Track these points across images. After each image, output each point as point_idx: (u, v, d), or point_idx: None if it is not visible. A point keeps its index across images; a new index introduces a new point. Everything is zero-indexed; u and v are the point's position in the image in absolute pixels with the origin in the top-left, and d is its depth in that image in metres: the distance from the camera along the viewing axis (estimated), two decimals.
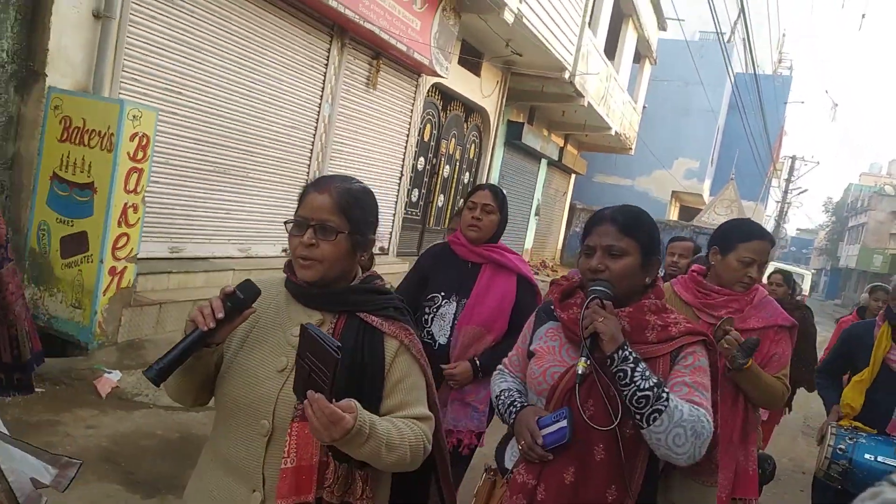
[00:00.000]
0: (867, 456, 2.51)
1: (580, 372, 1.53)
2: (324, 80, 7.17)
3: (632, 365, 1.50)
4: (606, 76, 13.50)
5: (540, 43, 9.71)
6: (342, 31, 7.17)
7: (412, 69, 8.62)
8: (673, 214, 24.15)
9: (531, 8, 9.11)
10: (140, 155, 4.46)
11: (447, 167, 10.89)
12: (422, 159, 9.95)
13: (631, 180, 21.35)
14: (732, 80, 17.90)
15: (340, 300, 1.42)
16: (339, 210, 1.38)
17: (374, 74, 7.95)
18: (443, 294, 2.64)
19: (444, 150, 10.63)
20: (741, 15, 17.26)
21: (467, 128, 11.27)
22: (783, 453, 5.72)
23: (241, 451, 1.36)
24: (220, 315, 1.27)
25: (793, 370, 4.57)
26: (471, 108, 11.05)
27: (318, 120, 7.22)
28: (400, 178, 9.17)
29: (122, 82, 4.87)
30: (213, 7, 5.59)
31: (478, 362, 2.58)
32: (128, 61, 4.90)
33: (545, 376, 1.65)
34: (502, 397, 1.77)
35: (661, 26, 17.35)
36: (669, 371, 1.59)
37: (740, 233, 2.32)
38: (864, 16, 20.78)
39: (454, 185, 11.24)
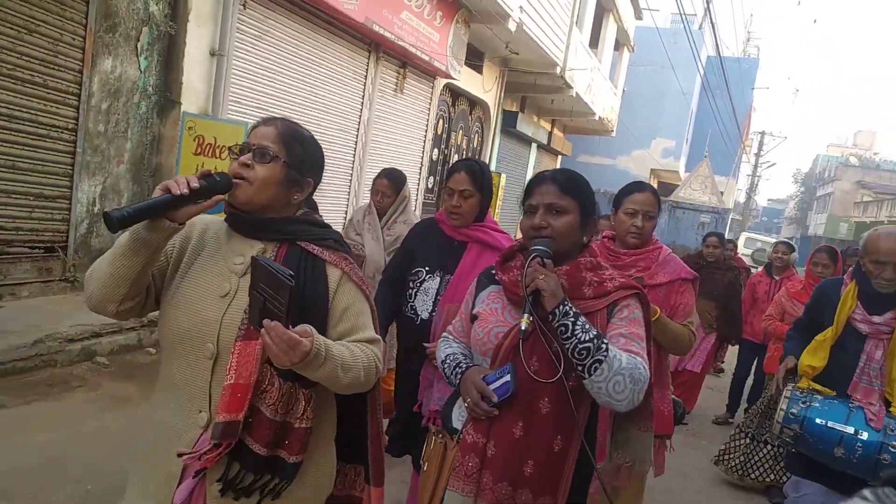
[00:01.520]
0: (818, 421, 2.46)
1: (523, 328, 1.56)
2: (363, 90, 8.54)
3: (572, 319, 1.54)
4: (591, 68, 14.96)
5: (535, 43, 11.12)
6: (377, 48, 8.53)
7: (430, 74, 10.00)
8: None
9: (530, 16, 10.53)
10: None
11: (455, 156, 12.31)
12: (436, 150, 11.36)
13: (612, 159, 22.94)
14: (702, 66, 19.43)
15: (280, 229, 1.46)
16: (281, 140, 1.44)
17: (401, 81, 9.33)
18: (427, 269, 2.61)
19: (454, 141, 12.04)
20: (709, 3, 18.81)
21: (471, 120, 12.68)
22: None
23: (188, 374, 1.39)
24: (195, 185, 1.31)
25: (721, 326, 5.51)
26: (474, 102, 12.45)
27: (359, 123, 8.60)
28: (420, 168, 10.59)
29: (229, 104, 6.22)
30: (288, 38, 6.95)
31: None
32: (232, 88, 6.25)
33: (489, 336, 1.69)
34: (448, 361, 1.80)
35: (638, 16, 18.83)
36: (607, 324, 1.65)
37: (624, 190, 2.57)
38: (815, 21, 22.37)
39: None
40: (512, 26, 9.99)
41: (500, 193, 12.50)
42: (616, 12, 16.48)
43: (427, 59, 9.06)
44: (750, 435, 4.15)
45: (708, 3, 18.93)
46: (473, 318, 1.79)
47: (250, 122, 6.12)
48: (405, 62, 9.22)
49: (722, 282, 5.26)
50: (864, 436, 2.38)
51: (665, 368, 2.56)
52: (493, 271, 1.81)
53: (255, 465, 1.35)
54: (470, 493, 1.63)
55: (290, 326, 1.22)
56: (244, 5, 6.20)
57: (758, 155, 30.68)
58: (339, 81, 8.02)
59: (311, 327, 1.28)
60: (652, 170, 24.23)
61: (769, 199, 71.11)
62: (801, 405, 2.52)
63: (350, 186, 8.66)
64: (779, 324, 4.43)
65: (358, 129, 8.61)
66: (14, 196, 4.74)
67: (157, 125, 5.78)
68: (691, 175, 21.52)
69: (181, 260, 1.47)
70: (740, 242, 20.72)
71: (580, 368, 1.53)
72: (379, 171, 3.74)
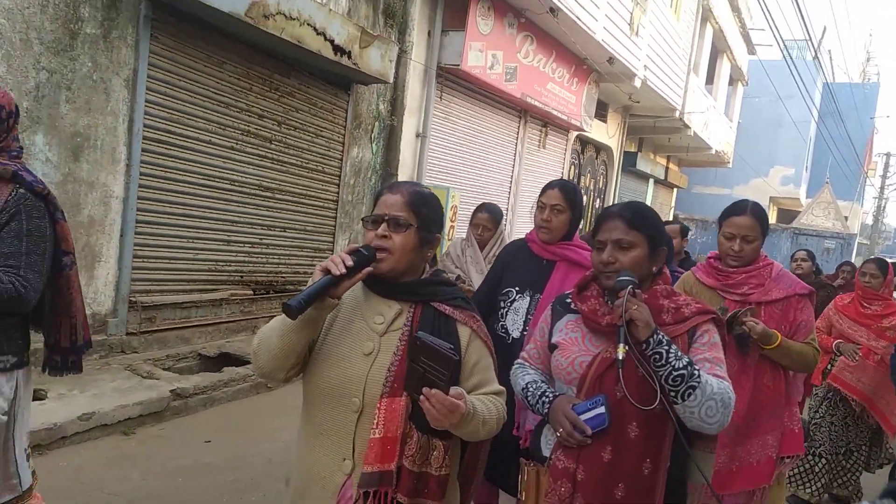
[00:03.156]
0: None
1: (620, 357, 1.59)
2: (514, 149, 10.34)
3: (666, 347, 1.60)
4: (707, 107, 16.09)
5: (655, 93, 12.53)
6: (526, 113, 10.32)
7: (566, 129, 11.67)
8: (771, 218, 26.03)
9: (653, 72, 12.00)
10: (453, 216, 7.69)
11: (585, 197, 13.84)
12: None
13: (729, 189, 23.53)
14: (819, 93, 19.86)
15: (415, 291, 1.59)
16: (409, 207, 1.56)
17: (542, 138, 11.06)
18: (517, 289, 2.67)
19: (583, 184, 13.59)
20: (825, 30, 19.38)
21: (597, 163, 14.20)
22: None
23: (334, 424, 1.54)
24: (350, 263, 1.45)
25: None
26: (599, 148, 13.98)
27: (511, 179, 10.40)
28: None
29: (427, 172, 8.16)
30: (466, 117, 8.91)
31: None
32: (430, 159, 8.20)
33: (573, 366, 1.75)
34: (530, 389, 1.85)
35: (751, 51, 19.70)
36: (688, 349, 1.71)
37: (725, 212, 2.56)
38: None
39: (590, 210, 14.17)
40: (637, 83, 11.51)
41: None
42: (730, 52, 17.54)
43: (565, 118, 10.74)
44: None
45: (822, 32, 19.52)
46: (552, 347, 1.85)
47: (447, 186, 8.01)
48: (547, 122, 10.95)
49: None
50: None
51: (795, 387, 2.58)
52: (568, 300, 1.89)
53: None
54: None
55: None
56: (440, 97, 8.16)
57: (884, 177, 29.90)
58: (498, 144, 9.87)
59: (463, 390, 1.41)
60: (771, 198, 24.53)
61: None
62: None
63: (506, 230, 10.43)
64: (826, 336, 4.28)
65: (511, 181, 10.40)
66: (301, 249, 6.80)
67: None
68: (813, 201, 21.76)
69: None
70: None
71: (673, 394, 1.59)
72: (478, 205, 3.79)
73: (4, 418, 2.01)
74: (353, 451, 1.51)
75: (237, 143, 5.73)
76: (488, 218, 3.65)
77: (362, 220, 1.62)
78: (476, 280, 3.50)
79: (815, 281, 5.39)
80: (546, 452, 1.79)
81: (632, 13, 10.81)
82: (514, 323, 2.63)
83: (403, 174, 7.81)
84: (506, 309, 2.66)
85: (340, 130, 6.96)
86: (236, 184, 5.77)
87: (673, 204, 20.93)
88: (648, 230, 1.75)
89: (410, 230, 1.54)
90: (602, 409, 1.65)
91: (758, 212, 2.51)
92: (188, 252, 5.47)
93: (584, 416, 1.66)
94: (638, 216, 1.76)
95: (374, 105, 7.35)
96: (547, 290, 2.61)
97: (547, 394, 1.80)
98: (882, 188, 30.03)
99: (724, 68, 17.83)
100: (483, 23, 8.05)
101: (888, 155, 29.80)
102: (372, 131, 7.43)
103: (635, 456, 1.66)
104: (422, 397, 1.36)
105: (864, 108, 25.22)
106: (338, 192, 7.08)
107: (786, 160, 23.69)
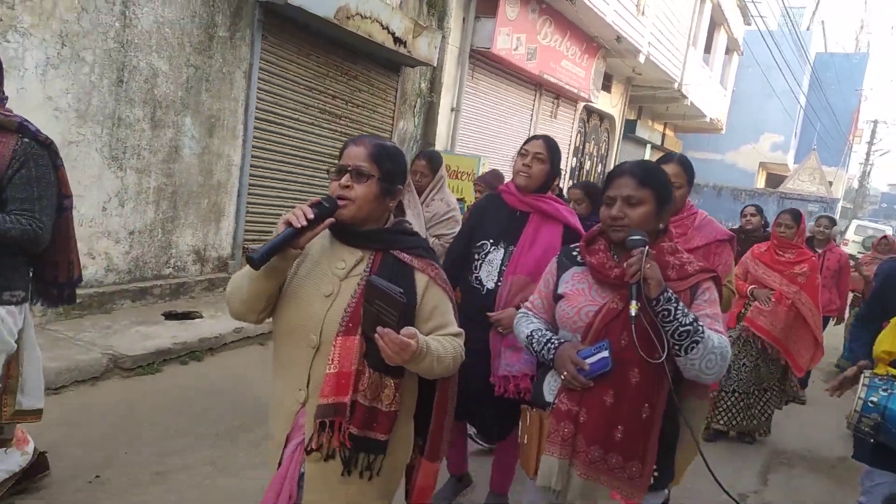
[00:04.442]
0: None
1: (633, 314, 1.70)
2: (530, 120, 11.59)
3: (674, 304, 1.71)
4: (704, 79, 17.30)
5: (657, 66, 13.74)
6: (540, 87, 11.54)
7: (575, 100, 12.90)
8: (760, 183, 27.49)
9: (655, 48, 13.19)
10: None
11: (588, 163, 15.14)
12: (574, 159, 14.25)
13: (721, 154, 24.89)
14: (810, 63, 21.01)
15: (377, 238, 1.70)
16: (372, 159, 1.64)
17: (555, 109, 12.31)
18: (491, 241, 2.75)
19: (588, 150, 14.89)
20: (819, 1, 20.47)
21: (601, 131, 15.47)
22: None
23: (293, 359, 1.68)
24: (311, 216, 1.55)
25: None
26: (603, 116, 15.23)
27: None
28: (563, 175, 13.53)
29: (459, 142, 9.44)
30: (492, 92, 10.17)
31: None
32: (461, 131, 9.47)
33: (580, 315, 1.85)
34: (535, 336, 1.96)
35: (746, 22, 20.78)
36: (690, 304, 1.81)
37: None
38: None
39: (594, 175, 15.50)
40: (641, 59, 12.72)
41: None
42: (727, 25, 18.66)
43: (575, 90, 11.97)
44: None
45: (817, 3, 20.58)
46: (557, 297, 1.94)
47: (478, 155, 9.28)
48: (559, 95, 12.19)
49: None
50: None
51: None
52: (574, 252, 1.98)
53: (351, 441, 1.61)
54: (566, 456, 1.83)
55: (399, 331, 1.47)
56: (472, 76, 9.39)
57: (870, 143, 31.38)
58: (516, 116, 11.13)
59: (415, 329, 1.53)
60: (760, 163, 25.94)
61: (890, 185, 68.51)
62: (882, 392, 2.38)
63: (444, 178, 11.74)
64: (742, 282, 4.43)
65: None
66: None
67: None
68: (799, 167, 23.15)
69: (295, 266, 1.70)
70: (851, 229, 22.01)
71: (677, 348, 1.71)
72: (418, 152, 4.15)
73: (15, 346, 2.27)
74: (308, 384, 1.65)
75: (316, 120, 6.99)
76: (425, 165, 3.82)
77: (327, 171, 1.72)
78: (412, 223, 4.31)
79: (763, 234, 5.36)
80: (549, 398, 1.89)
81: None
82: (488, 274, 2.73)
83: (439, 145, 9.07)
84: (480, 261, 2.76)
85: (391, 107, 8.20)
86: (316, 153, 7.06)
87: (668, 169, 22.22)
88: (657, 188, 1.83)
89: (372, 181, 1.64)
90: (606, 353, 1.76)
91: (684, 161, 2.68)
92: (285, 208, 6.78)
93: (588, 360, 1.78)
94: (648, 174, 1.84)
95: (417, 84, 8.57)
96: (521, 241, 2.70)
97: (552, 340, 1.91)
98: (868, 154, 31.54)
99: (720, 40, 18.97)
100: (510, 10, 9.22)
101: (875, 122, 31.23)
102: (414, 107, 8.67)
103: (635, 401, 1.77)
104: (376, 335, 1.47)
105: (853, 78, 26.48)
106: None
107: (776, 127, 25.03)
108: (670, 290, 1.73)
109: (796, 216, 4.41)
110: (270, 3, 5.79)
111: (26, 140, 2.11)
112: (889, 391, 2.37)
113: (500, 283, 2.69)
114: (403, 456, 1.78)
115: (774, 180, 27.79)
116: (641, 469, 1.79)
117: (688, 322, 1.70)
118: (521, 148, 2.80)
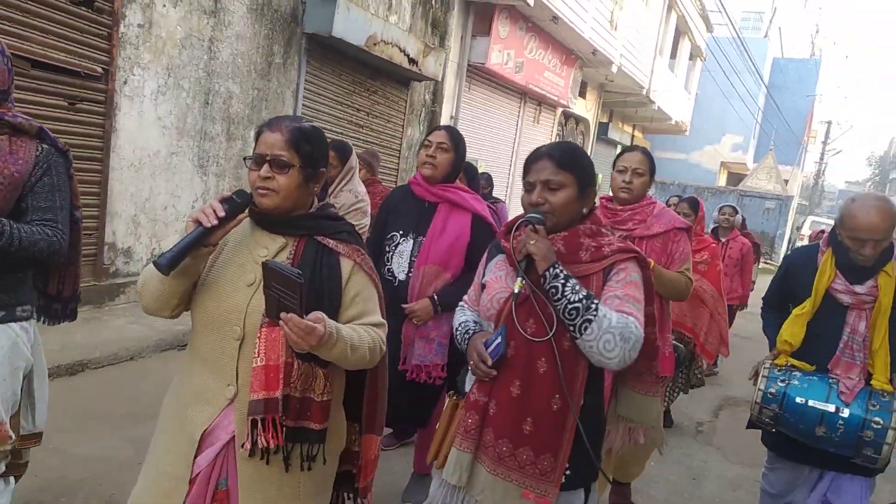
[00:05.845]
0: (798, 399, 2.41)
1: (516, 291, 1.70)
2: (516, 126, 12.99)
3: (562, 281, 1.67)
4: (670, 86, 18.95)
5: (627, 75, 15.28)
6: (525, 95, 12.94)
7: (554, 106, 14.35)
8: (721, 181, 29.46)
9: (627, 59, 14.71)
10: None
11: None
12: None
13: (685, 154, 26.70)
14: (767, 69, 22.84)
15: (300, 225, 1.65)
16: (291, 145, 1.58)
17: (537, 115, 13.73)
18: (401, 232, 2.79)
19: None
20: (775, 11, 22.31)
21: (577, 133, 16.97)
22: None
23: (217, 352, 1.61)
24: (221, 214, 1.50)
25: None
26: (579, 120, 16.73)
27: (512, 150, 13.08)
28: None
29: None
30: (484, 101, 11.56)
31: (436, 298, 2.71)
32: None
33: (492, 302, 1.83)
34: (460, 329, 1.96)
35: (709, 30, 22.55)
36: (602, 286, 1.75)
37: (616, 156, 2.91)
38: None
39: None
40: (614, 69, 14.23)
41: (598, 191, 16.70)
42: (690, 34, 20.36)
43: (555, 98, 13.41)
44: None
45: (773, 12, 22.40)
46: (484, 286, 1.93)
47: (475, 158, 10.61)
48: (541, 102, 13.62)
49: None
50: (846, 413, 2.33)
51: (666, 314, 2.78)
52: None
53: (285, 434, 1.56)
54: (468, 450, 1.78)
55: (304, 316, 1.42)
56: (468, 89, 10.74)
57: (825, 143, 33.76)
58: (504, 122, 12.52)
59: (323, 314, 1.47)
60: (722, 162, 27.88)
61: (847, 182, 72.20)
62: (780, 384, 2.45)
63: (507, 193, 13.12)
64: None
65: (512, 151, 13.09)
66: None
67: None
68: (758, 166, 25.10)
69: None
70: (806, 224, 23.84)
71: (572, 328, 1.66)
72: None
73: (33, 360, 2.16)
74: (237, 378, 1.59)
75: (345, 130, 8.25)
76: (334, 156, 3.78)
77: (244, 159, 1.64)
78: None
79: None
80: (467, 389, 1.88)
81: (612, 12, 13.43)
82: (399, 266, 2.77)
83: None
84: (391, 253, 2.80)
85: (401, 116, 9.48)
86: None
87: None
88: (578, 170, 1.78)
89: (293, 170, 1.58)
90: (499, 339, 1.73)
91: (647, 152, 2.84)
92: None
93: (489, 349, 1.75)
94: (567, 156, 1.79)
95: (422, 96, 9.88)
96: (430, 232, 2.74)
97: (469, 331, 1.92)
98: (822, 153, 33.93)
99: (684, 47, 20.68)
100: (502, 29, 10.59)
101: (829, 123, 33.60)
102: (420, 116, 9.97)
103: (543, 391, 1.71)
104: (280, 321, 1.43)
105: (807, 82, 28.60)
106: (398, 162, 9.65)
107: (736, 129, 26.99)
108: (560, 268, 1.70)
109: (694, 204, 4.60)
110: (316, 34, 7.03)
111: (46, 146, 2.04)
112: (787, 381, 2.45)
113: (411, 275, 2.75)
114: (338, 444, 1.77)
115: (734, 179, 29.81)
116: (554, 463, 1.74)
117: (577, 299, 1.65)
118: (425, 139, 2.85)
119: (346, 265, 1.66)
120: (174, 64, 5.65)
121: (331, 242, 1.66)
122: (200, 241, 1.52)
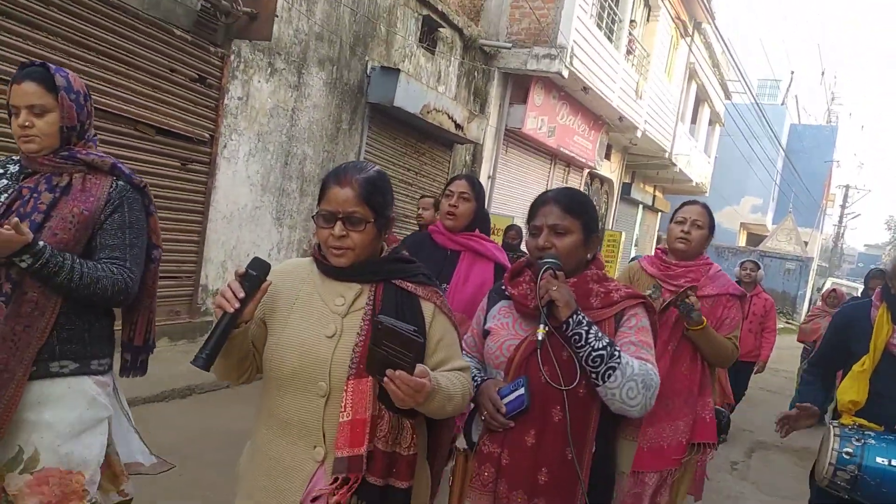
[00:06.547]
0: (879, 460, 2.14)
1: (539, 338, 1.65)
2: (546, 185, 13.80)
3: (585, 328, 1.65)
4: (690, 149, 19.84)
5: (650, 139, 16.16)
6: (555, 158, 13.81)
7: (582, 168, 15.20)
8: (741, 241, 30.04)
9: (650, 125, 15.62)
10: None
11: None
12: None
13: None
14: (785, 135, 23.70)
15: (374, 270, 1.60)
16: (363, 200, 1.52)
17: (566, 175, 14.57)
18: None
19: None
20: (792, 78, 23.29)
21: (601, 193, 17.79)
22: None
23: (300, 412, 1.53)
24: (241, 295, 1.44)
25: None
26: (603, 181, 17.56)
27: None
28: None
29: (494, 203, 11.57)
30: (518, 162, 12.41)
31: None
32: (496, 194, 11.62)
33: (501, 350, 1.79)
34: None
35: (727, 97, 23.58)
36: (615, 333, 1.74)
37: (677, 208, 2.83)
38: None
39: None
40: (638, 134, 15.12)
41: (620, 249, 17.40)
42: (709, 101, 21.38)
43: (583, 160, 14.26)
44: None
45: (790, 80, 23.38)
46: (486, 333, 1.89)
47: (510, 214, 11.39)
48: (569, 163, 14.48)
49: None
50: None
51: (709, 378, 2.66)
52: (503, 287, 1.90)
53: (371, 495, 1.49)
54: (487, 503, 1.74)
55: (413, 372, 1.37)
56: (505, 151, 11.62)
57: (843, 206, 34.41)
58: (535, 181, 13.36)
59: (426, 367, 1.42)
60: (741, 223, 28.55)
61: (866, 245, 72.30)
62: (856, 443, 2.19)
63: None
64: None
65: None
66: None
67: None
68: (777, 228, 25.69)
69: (275, 310, 1.60)
70: (826, 286, 24.23)
71: (594, 375, 1.63)
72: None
73: (112, 410, 1.99)
74: (324, 438, 1.51)
75: (396, 187, 8.97)
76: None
77: (313, 217, 1.59)
78: None
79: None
80: (476, 438, 1.84)
81: (637, 82, 14.40)
82: None
83: None
84: None
85: (444, 175, 10.32)
86: (401, 215, 9.12)
87: (657, 226, 24.64)
88: (584, 216, 1.80)
89: (369, 226, 1.54)
90: (522, 391, 1.69)
91: (707, 207, 2.75)
92: None
93: (505, 399, 1.71)
94: (573, 202, 1.80)
95: (463, 157, 10.74)
96: (454, 280, 2.73)
97: (476, 378, 1.84)
98: (841, 217, 34.57)
99: (704, 113, 21.67)
100: (538, 97, 11.52)
101: (847, 187, 34.36)
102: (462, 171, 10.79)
103: (558, 440, 1.68)
104: (386, 379, 1.37)
105: (825, 147, 29.47)
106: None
107: (755, 191, 27.75)
108: (581, 314, 1.69)
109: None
110: (379, 104, 7.92)
111: (121, 183, 1.96)
112: (862, 441, 2.20)
113: None
114: (424, 500, 1.69)
115: (754, 239, 30.40)
116: None
117: (601, 346, 1.64)
118: (447, 189, 2.86)
119: (427, 308, 1.61)
120: (263, 130, 6.51)
121: (409, 286, 1.61)
122: (231, 326, 1.46)
